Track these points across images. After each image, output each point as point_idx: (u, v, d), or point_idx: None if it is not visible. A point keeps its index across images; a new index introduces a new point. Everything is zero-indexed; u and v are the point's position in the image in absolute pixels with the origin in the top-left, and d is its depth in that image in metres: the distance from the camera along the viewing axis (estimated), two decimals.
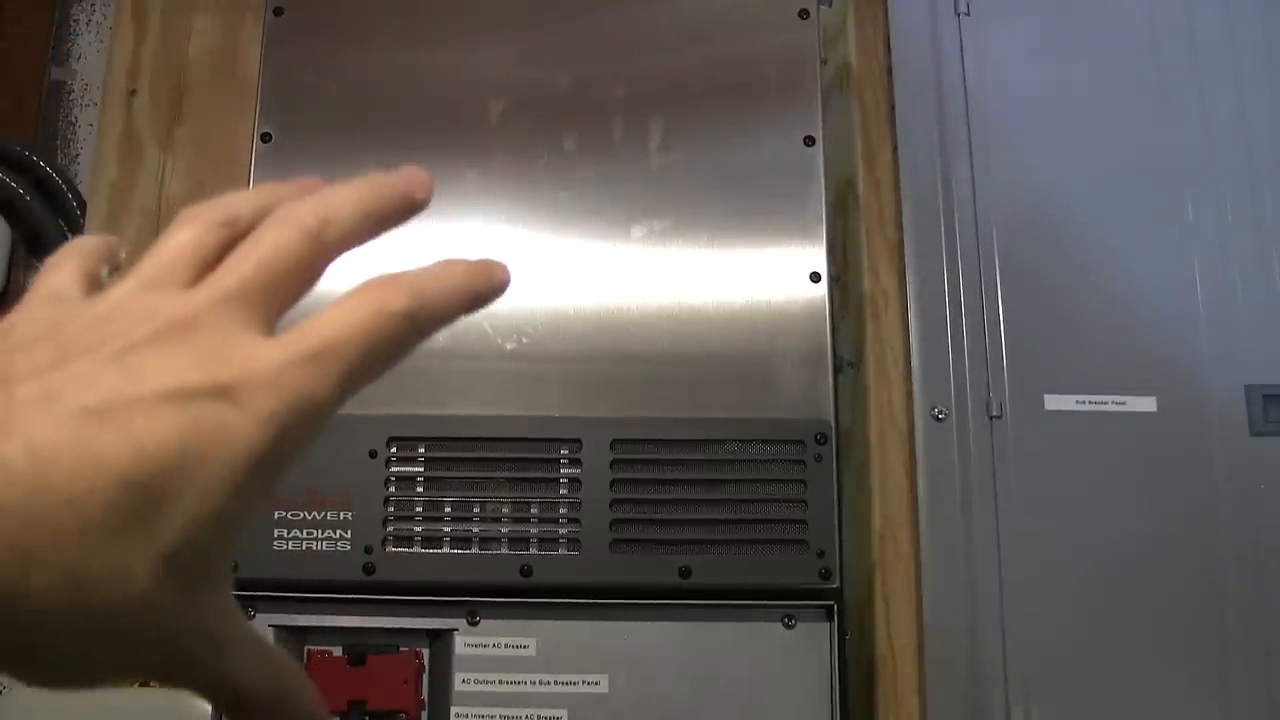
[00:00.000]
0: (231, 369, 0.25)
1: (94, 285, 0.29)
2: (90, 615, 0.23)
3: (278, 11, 1.00)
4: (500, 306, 0.92)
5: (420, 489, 0.89)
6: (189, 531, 0.24)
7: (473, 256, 0.30)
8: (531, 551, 0.88)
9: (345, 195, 0.29)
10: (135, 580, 0.23)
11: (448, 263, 0.29)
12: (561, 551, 0.87)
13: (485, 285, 0.29)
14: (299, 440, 0.25)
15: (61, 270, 0.29)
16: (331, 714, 0.86)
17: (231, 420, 0.24)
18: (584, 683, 0.87)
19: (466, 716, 0.86)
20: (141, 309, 0.26)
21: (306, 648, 0.88)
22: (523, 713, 0.86)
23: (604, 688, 0.87)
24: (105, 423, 0.23)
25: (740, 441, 0.89)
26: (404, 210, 0.30)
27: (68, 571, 0.22)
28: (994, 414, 0.96)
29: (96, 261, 0.30)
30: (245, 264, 0.27)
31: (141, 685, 1.09)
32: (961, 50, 1.06)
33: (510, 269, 0.30)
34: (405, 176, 0.30)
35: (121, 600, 0.23)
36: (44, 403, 0.23)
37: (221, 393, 0.24)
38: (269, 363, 0.25)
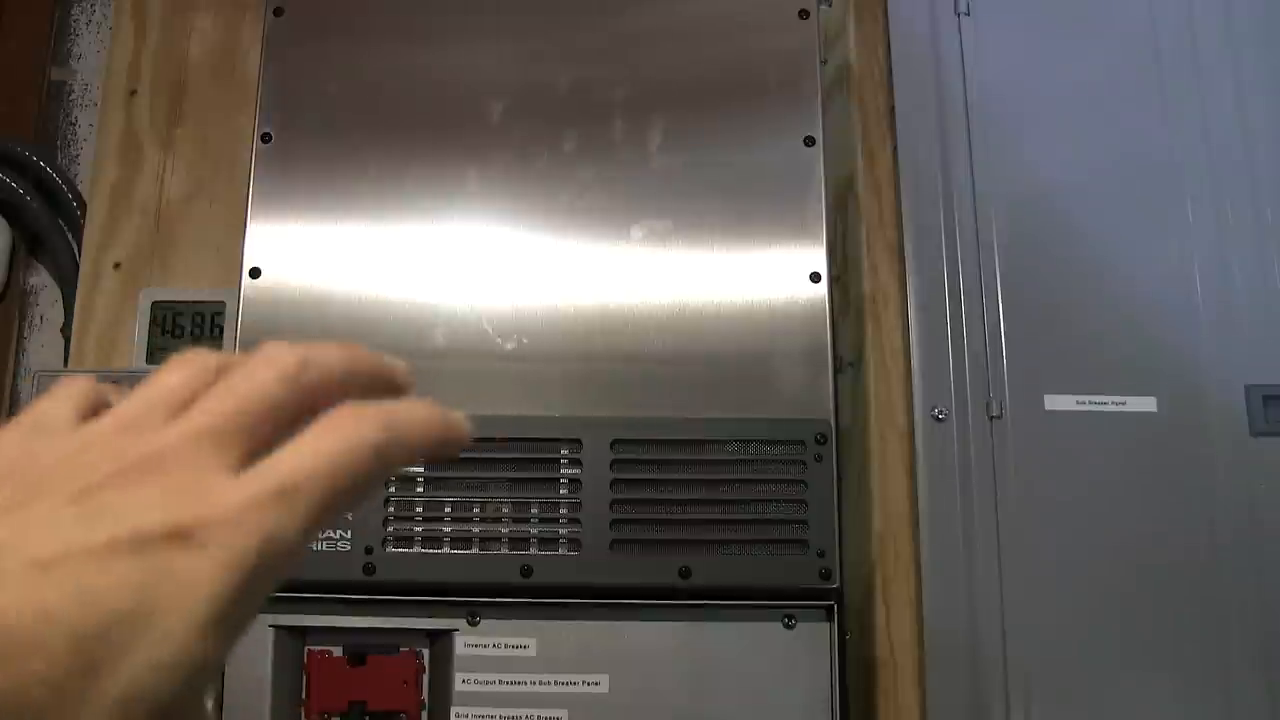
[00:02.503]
0: (194, 510, 0.24)
1: (88, 417, 0.29)
2: None
3: (278, 12, 1.00)
4: (500, 306, 0.93)
5: (420, 489, 0.89)
6: (144, 681, 0.23)
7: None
8: (531, 552, 0.88)
9: (331, 348, 0.29)
10: None
11: (412, 403, 0.29)
12: (561, 551, 0.87)
13: (452, 431, 0.29)
14: (267, 580, 0.25)
15: (56, 398, 0.29)
16: (332, 714, 0.86)
17: (190, 567, 0.23)
18: (584, 683, 0.87)
19: (467, 716, 0.86)
20: (113, 446, 0.26)
21: (306, 648, 0.88)
22: (523, 713, 0.86)
23: (604, 688, 0.87)
24: (54, 574, 0.23)
25: (740, 441, 0.89)
26: (382, 381, 0.30)
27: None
28: (994, 414, 0.96)
29: (95, 396, 0.29)
30: (219, 402, 0.27)
31: None
32: (961, 50, 1.06)
33: (470, 427, 0.30)
34: (391, 364, 0.30)
35: None
36: None
37: (181, 537, 0.24)
38: (233, 502, 0.25)
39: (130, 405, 0.27)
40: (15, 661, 0.22)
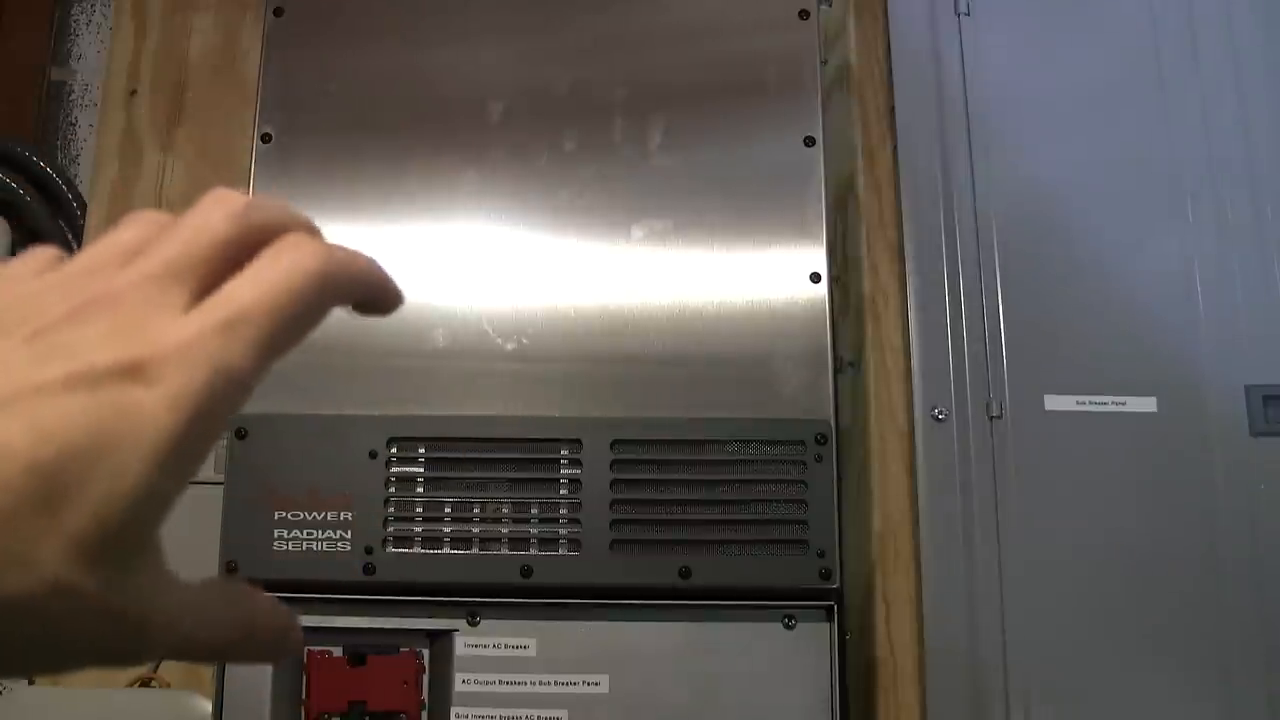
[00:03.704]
0: (144, 346, 0.25)
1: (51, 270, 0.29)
2: (4, 606, 0.23)
3: (278, 12, 1.00)
4: (500, 306, 0.93)
5: (420, 489, 0.89)
6: (101, 515, 0.23)
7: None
8: (532, 552, 0.88)
9: (273, 200, 0.29)
10: (42, 566, 0.23)
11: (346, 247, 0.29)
12: (562, 552, 0.87)
13: (387, 280, 0.30)
14: (220, 413, 0.25)
15: (23, 258, 0.29)
16: (332, 714, 0.86)
17: (141, 401, 0.24)
18: (584, 683, 0.87)
19: (467, 717, 0.86)
20: (66, 289, 0.26)
21: (307, 648, 0.88)
22: (523, 713, 0.86)
23: (604, 688, 0.87)
24: (9, 412, 0.23)
25: (740, 441, 0.89)
26: (313, 238, 0.30)
27: None
28: (994, 414, 0.96)
29: (59, 258, 0.30)
30: (168, 245, 0.27)
31: (142, 685, 1.08)
32: (961, 50, 1.06)
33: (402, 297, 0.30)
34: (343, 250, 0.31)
35: (31, 588, 0.23)
36: None
37: (131, 372, 0.24)
38: (182, 337, 0.25)
39: (84, 256, 0.28)
40: None
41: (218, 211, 0.28)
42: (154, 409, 0.24)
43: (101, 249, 0.28)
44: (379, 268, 0.29)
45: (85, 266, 0.27)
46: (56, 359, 0.24)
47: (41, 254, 0.29)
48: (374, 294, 0.29)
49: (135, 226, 0.29)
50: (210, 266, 0.27)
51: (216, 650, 0.28)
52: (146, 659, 0.26)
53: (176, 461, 0.24)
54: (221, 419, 0.25)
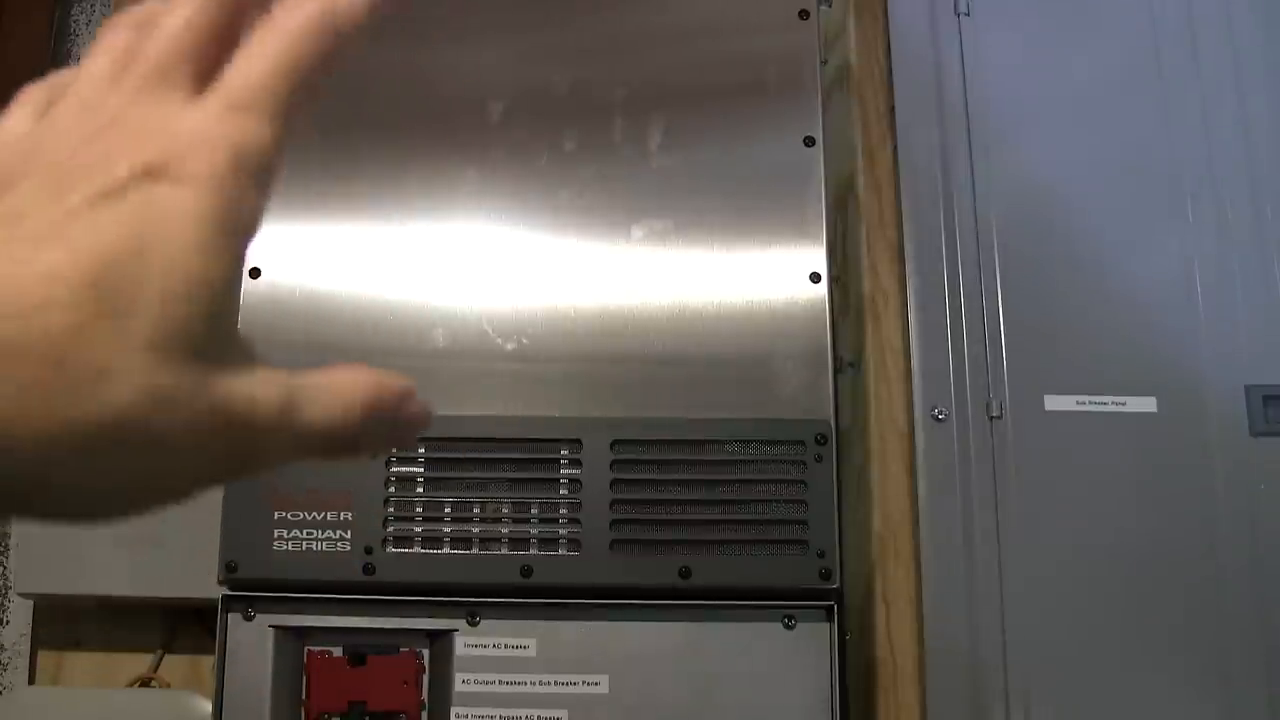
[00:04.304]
0: (158, 145, 0.24)
1: (44, 115, 0.29)
2: (102, 429, 0.22)
3: None
4: (500, 306, 0.93)
5: (420, 489, 0.89)
6: (167, 310, 0.23)
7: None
8: (531, 552, 0.88)
9: None
10: (128, 375, 0.22)
11: None
12: (561, 552, 0.87)
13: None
14: (255, 187, 0.25)
15: (14, 110, 0.29)
16: (332, 714, 0.86)
17: (171, 196, 0.24)
18: (584, 683, 0.87)
19: (467, 717, 0.86)
20: (73, 121, 0.26)
21: (306, 648, 0.88)
22: (523, 713, 0.86)
23: (604, 688, 0.87)
24: (46, 244, 0.23)
25: (740, 442, 0.89)
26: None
27: (41, 389, 0.22)
28: (994, 414, 0.96)
29: (50, 93, 0.29)
30: (154, 43, 0.27)
31: (142, 685, 1.08)
32: (961, 50, 1.06)
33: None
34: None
35: (126, 400, 0.22)
36: None
37: (151, 173, 0.24)
38: (195, 126, 0.25)
39: (77, 85, 0.27)
40: (32, 318, 0.22)
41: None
42: (182, 200, 0.24)
43: (90, 70, 0.27)
44: None
45: (81, 95, 0.27)
46: (78, 185, 0.24)
47: (28, 98, 0.29)
48: (386, 8, 0.28)
49: (114, 33, 0.28)
50: (202, 53, 0.26)
51: (339, 439, 0.27)
52: (264, 460, 0.26)
53: (222, 244, 0.24)
54: (255, 193, 0.25)
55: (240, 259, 0.25)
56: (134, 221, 0.23)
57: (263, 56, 0.26)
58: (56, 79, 0.29)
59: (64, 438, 0.22)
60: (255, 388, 0.25)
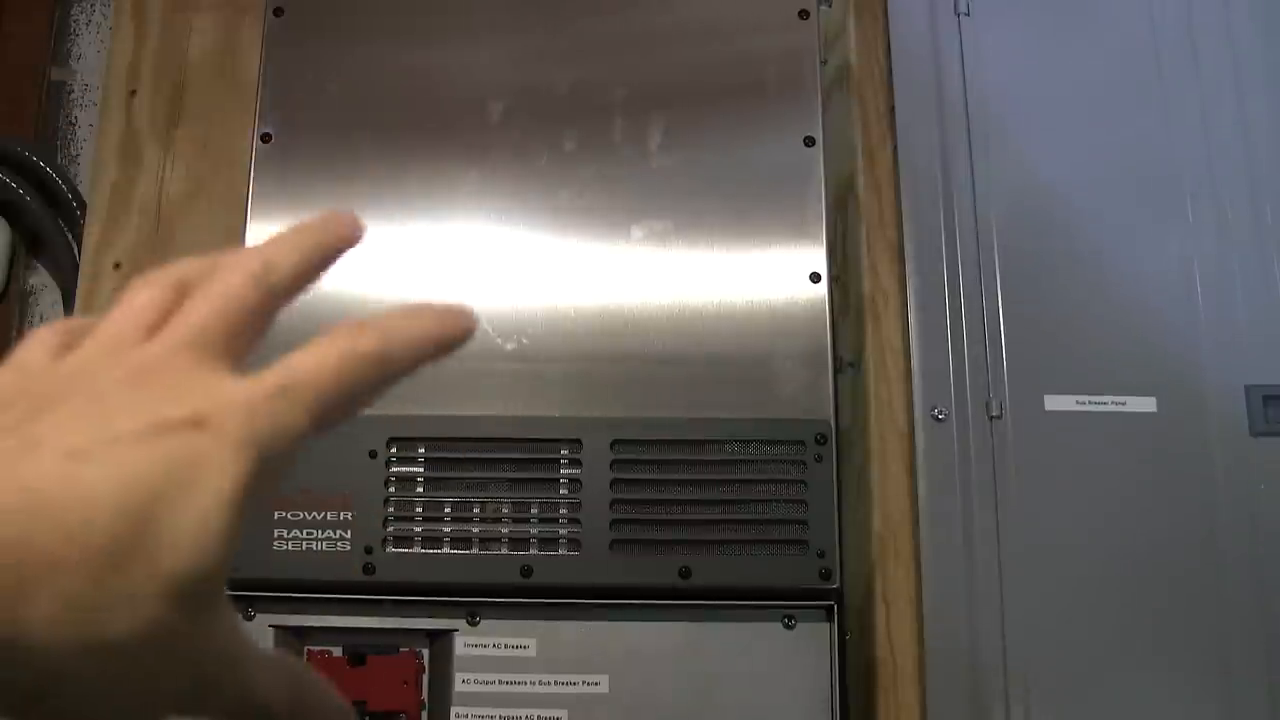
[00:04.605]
0: (204, 401, 0.26)
1: (62, 355, 0.30)
2: (104, 650, 0.23)
3: (278, 12, 1.00)
4: (500, 306, 0.93)
5: (420, 489, 0.89)
6: (190, 554, 0.24)
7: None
8: (531, 552, 0.88)
9: (282, 241, 0.30)
10: (144, 606, 0.24)
11: (417, 307, 0.30)
12: (561, 552, 0.87)
13: (452, 332, 0.31)
14: (275, 470, 0.26)
15: (28, 346, 0.30)
16: None
17: (210, 448, 0.25)
18: (584, 683, 0.87)
19: (467, 717, 0.86)
20: (107, 362, 0.27)
21: (306, 648, 0.88)
22: (523, 713, 0.86)
23: (604, 688, 0.87)
24: (91, 461, 0.24)
25: (740, 442, 0.89)
26: (339, 246, 0.32)
27: (71, 601, 0.23)
28: (994, 414, 0.96)
29: (64, 336, 0.30)
30: (197, 312, 0.28)
31: None
32: (961, 50, 1.06)
33: (475, 315, 0.31)
34: (335, 219, 0.33)
35: (133, 628, 0.23)
36: (27, 451, 0.24)
37: (198, 423, 0.25)
38: (239, 395, 0.26)
39: (105, 331, 0.28)
40: (66, 541, 0.23)
41: (238, 276, 0.29)
42: (223, 455, 0.25)
43: (121, 321, 0.28)
44: (436, 322, 0.30)
45: (111, 341, 0.28)
46: (125, 414, 0.25)
47: (43, 337, 0.30)
48: (438, 351, 0.30)
49: (146, 291, 0.29)
50: (241, 332, 0.28)
51: (267, 715, 0.28)
52: (211, 712, 0.27)
53: (239, 512, 0.25)
54: (276, 479, 0.26)
55: (239, 537, 0.26)
56: (176, 463, 0.24)
57: (316, 359, 0.27)
58: (69, 324, 0.30)
59: (72, 652, 0.23)
60: (231, 648, 0.27)
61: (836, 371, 0.92)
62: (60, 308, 1.28)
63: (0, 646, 0.23)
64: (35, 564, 0.23)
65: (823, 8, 1.07)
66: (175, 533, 0.24)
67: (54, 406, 0.25)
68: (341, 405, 0.28)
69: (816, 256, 0.93)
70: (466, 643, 0.87)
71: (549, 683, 0.87)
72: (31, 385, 0.27)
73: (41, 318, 1.31)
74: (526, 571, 0.87)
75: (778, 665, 0.86)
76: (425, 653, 0.88)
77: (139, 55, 1.27)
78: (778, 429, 0.89)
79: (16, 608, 0.22)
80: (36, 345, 0.30)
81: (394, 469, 0.89)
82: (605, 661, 0.87)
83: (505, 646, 0.87)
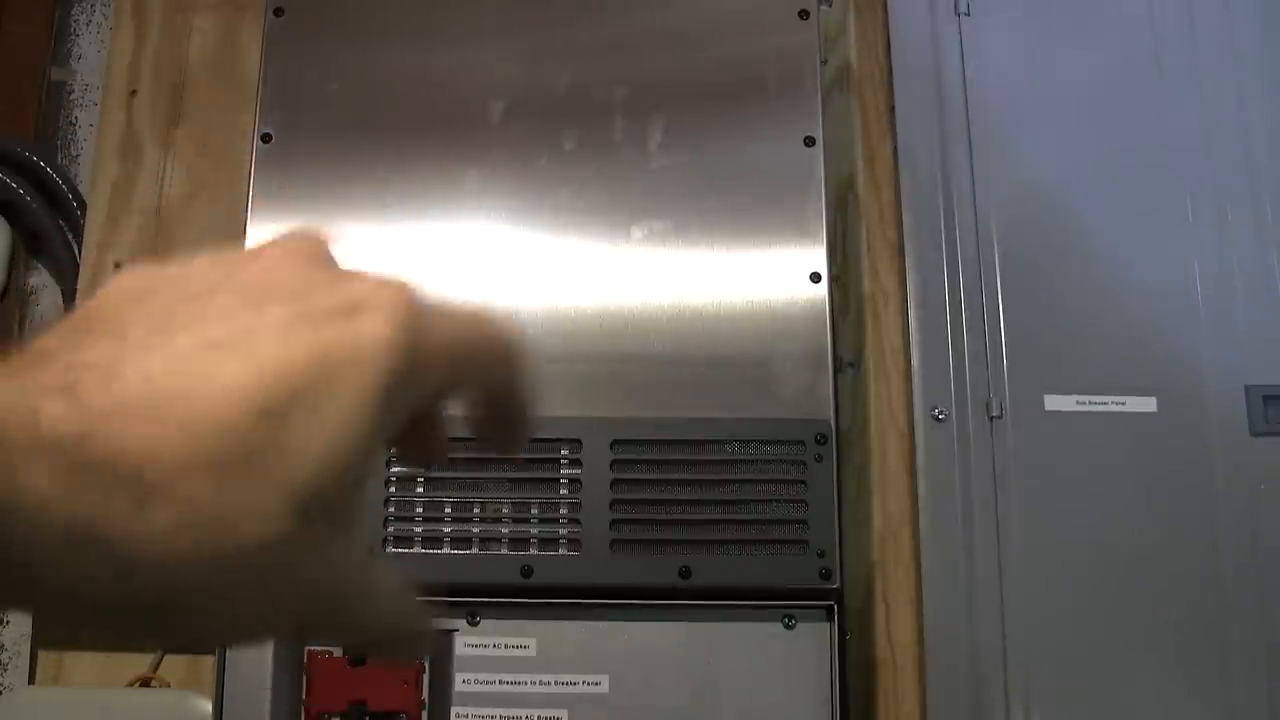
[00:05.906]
0: (360, 292, 0.25)
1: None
2: (224, 560, 0.22)
3: (278, 12, 1.00)
4: (500, 306, 0.93)
5: (420, 489, 0.89)
6: (323, 464, 0.23)
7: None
8: (532, 552, 0.88)
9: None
10: (270, 519, 0.22)
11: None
12: (562, 552, 0.87)
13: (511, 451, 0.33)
14: (413, 382, 0.25)
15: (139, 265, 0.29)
16: (332, 714, 0.86)
17: (361, 326, 0.24)
18: (584, 683, 0.87)
19: (467, 717, 0.86)
20: (253, 267, 0.26)
21: (306, 648, 0.88)
22: (523, 713, 0.86)
23: (604, 688, 0.87)
24: (229, 351, 0.22)
25: (740, 441, 0.89)
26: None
27: (192, 509, 0.21)
28: (994, 414, 0.96)
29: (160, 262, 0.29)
30: (301, 234, 0.28)
31: (142, 685, 1.08)
32: (961, 50, 1.06)
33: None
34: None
35: (257, 541, 0.22)
36: (161, 339, 0.23)
37: (353, 309, 0.24)
38: (376, 283, 0.25)
39: (207, 258, 0.27)
40: (190, 445, 0.21)
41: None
42: (375, 327, 0.24)
43: (223, 256, 0.27)
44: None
45: (228, 261, 0.27)
46: (276, 303, 0.24)
47: (143, 260, 0.28)
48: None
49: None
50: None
51: (362, 642, 0.27)
52: (314, 636, 0.26)
53: (382, 418, 0.24)
54: (400, 405, 0.25)
55: (382, 446, 0.25)
56: (323, 345, 0.23)
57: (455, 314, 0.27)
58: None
59: (191, 561, 0.22)
60: (350, 571, 0.25)
61: (836, 371, 0.92)
62: (60, 307, 1.28)
63: (119, 560, 0.21)
64: (155, 470, 0.21)
65: (823, 7, 1.07)
66: (309, 439, 0.22)
67: (195, 296, 0.24)
68: (448, 372, 0.27)
69: (816, 256, 0.93)
70: (466, 643, 0.87)
71: (549, 683, 0.87)
72: (169, 282, 0.25)
73: (41, 318, 1.31)
74: (527, 571, 0.87)
75: (778, 665, 0.86)
76: None
77: (139, 55, 1.27)
78: (778, 429, 0.89)
79: (133, 513, 0.21)
80: (148, 264, 0.28)
81: (394, 469, 0.89)
82: (605, 661, 0.87)
83: (505, 646, 0.87)
